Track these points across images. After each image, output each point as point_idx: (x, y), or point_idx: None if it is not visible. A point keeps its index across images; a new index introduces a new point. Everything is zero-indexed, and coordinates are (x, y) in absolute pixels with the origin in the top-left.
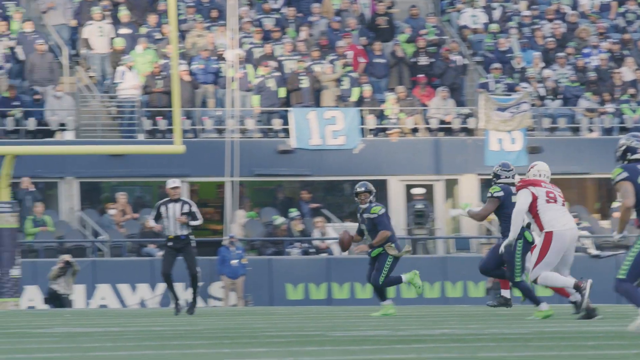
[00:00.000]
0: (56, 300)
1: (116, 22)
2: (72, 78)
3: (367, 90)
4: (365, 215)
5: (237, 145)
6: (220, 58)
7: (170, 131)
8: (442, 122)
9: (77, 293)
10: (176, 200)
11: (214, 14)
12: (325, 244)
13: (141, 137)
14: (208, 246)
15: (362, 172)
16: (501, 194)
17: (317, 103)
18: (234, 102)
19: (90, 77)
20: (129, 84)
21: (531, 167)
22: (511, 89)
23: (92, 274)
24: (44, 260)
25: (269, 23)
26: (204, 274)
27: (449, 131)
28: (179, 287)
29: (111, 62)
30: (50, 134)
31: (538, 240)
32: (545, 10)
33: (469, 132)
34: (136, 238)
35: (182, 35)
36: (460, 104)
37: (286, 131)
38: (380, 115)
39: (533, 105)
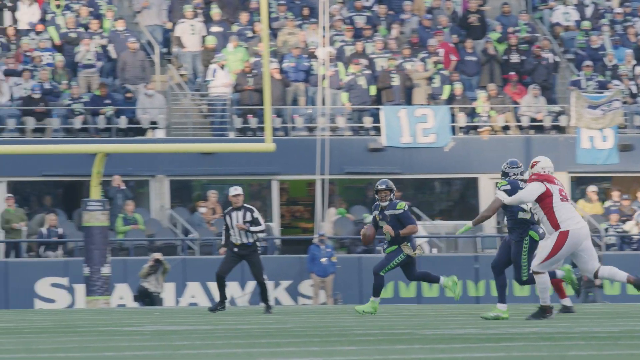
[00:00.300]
0: (146, 298)
1: (208, 20)
2: (163, 76)
3: (458, 88)
4: (388, 212)
5: (327, 143)
6: (312, 56)
7: (261, 129)
8: (533, 119)
9: (167, 291)
10: (239, 208)
11: (306, 11)
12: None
13: (232, 135)
14: (298, 244)
15: (453, 170)
16: (508, 187)
17: (408, 101)
18: (324, 100)
19: (182, 75)
20: (220, 82)
21: (535, 163)
22: (603, 86)
23: (183, 272)
24: (135, 258)
25: (360, 21)
26: (294, 272)
27: (540, 129)
28: (233, 286)
29: (202, 60)
30: (142, 132)
31: (551, 237)
32: (637, 7)
33: (560, 130)
34: None
35: (274, 33)
36: (551, 101)
37: (377, 129)
38: (471, 113)
39: (625, 102)
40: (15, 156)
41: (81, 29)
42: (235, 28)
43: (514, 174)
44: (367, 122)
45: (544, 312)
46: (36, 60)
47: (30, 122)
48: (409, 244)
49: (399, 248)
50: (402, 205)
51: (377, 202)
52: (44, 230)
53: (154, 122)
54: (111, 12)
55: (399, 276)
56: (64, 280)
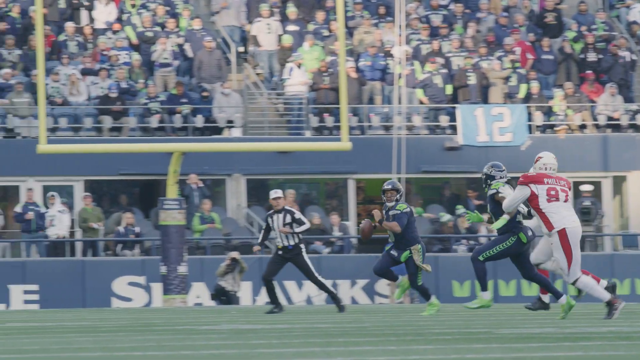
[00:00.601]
0: (223, 297)
1: (284, 19)
2: (239, 75)
3: (535, 86)
4: (391, 213)
5: (403, 141)
6: (388, 55)
7: (337, 128)
8: (610, 118)
9: (244, 290)
10: (279, 211)
11: (382, 10)
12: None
13: (308, 134)
14: (375, 243)
15: (529, 168)
16: (507, 187)
17: (484, 99)
18: (400, 99)
19: (258, 74)
20: (297, 80)
21: (537, 159)
22: None
23: (259, 271)
24: (211, 257)
25: (436, 19)
26: (371, 271)
27: (617, 127)
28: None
29: (279, 59)
30: (218, 131)
31: (552, 241)
32: None
33: (637, 128)
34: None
35: (350, 32)
36: (628, 100)
37: (453, 128)
38: (548, 112)
39: None
40: (92, 155)
41: (158, 28)
42: (311, 27)
43: (500, 177)
44: (444, 120)
45: (611, 307)
46: (113, 59)
47: (107, 121)
48: (420, 248)
49: (412, 255)
50: (402, 207)
51: (385, 203)
52: (121, 229)
53: (230, 121)
54: (187, 11)
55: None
56: (141, 279)
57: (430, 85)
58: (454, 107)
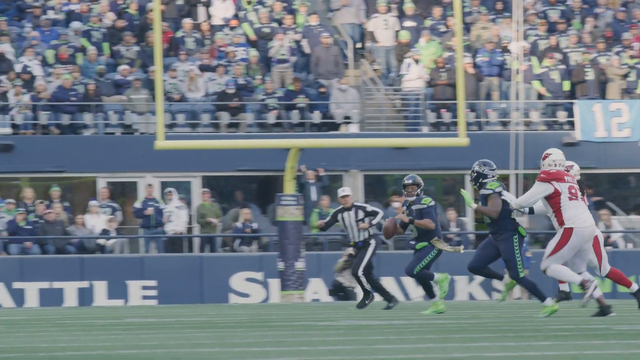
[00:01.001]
0: (341, 292)
1: (401, 15)
2: (357, 71)
3: None
4: (414, 207)
5: (521, 137)
6: (505, 50)
7: (455, 124)
8: None
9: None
10: (349, 209)
11: (499, 6)
12: (611, 238)
13: (425, 129)
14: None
15: None
16: (500, 189)
17: (602, 95)
18: (518, 94)
19: (375, 70)
20: (414, 76)
21: (546, 156)
22: None
23: (377, 267)
24: (329, 253)
25: (554, 15)
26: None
27: None
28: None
29: (396, 54)
30: (335, 127)
31: (557, 233)
32: None
33: None
34: None
35: (467, 27)
36: None
37: (571, 123)
38: None
39: None
40: (210, 151)
41: (275, 24)
42: (428, 22)
43: (492, 176)
44: (561, 116)
45: (584, 288)
46: (230, 55)
47: (225, 117)
48: (440, 239)
49: (429, 245)
50: (428, 201)
51: (405, 198)
52: (238, 224)
53: (347, 117)
54: (305, 7)
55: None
56: (259, 275)
57: (547, 81)
58: (571, 103)
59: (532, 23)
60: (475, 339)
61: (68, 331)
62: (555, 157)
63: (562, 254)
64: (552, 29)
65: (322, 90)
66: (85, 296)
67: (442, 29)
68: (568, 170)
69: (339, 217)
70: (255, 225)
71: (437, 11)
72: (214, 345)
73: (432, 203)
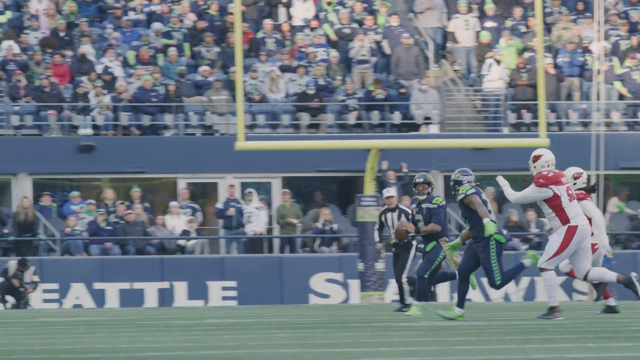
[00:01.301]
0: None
1: (482, 15)
2: (437, 71)
3: None
4: (424, 206)
5: (602, 138)
6: (586, 50)
7: (535, 124)
8: None
9: (440, 287)
10: (393, 209)
11: (580, 6)
12: None
13: (505, 130)
14: None
15: None
16: (474, 190)
17: None
18: (599, 95)
19: (455, 70)
20: (495, 77)
21: (537, 158)
22: None
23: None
24: None
25: (635, 15)
26: None
27: None
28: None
29: (476, 55)
30: (415, 127)
31: (558, 232)
32: None
33: None
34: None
35: (548, 27)
36: None
37: None
38: None
39: None
40: (290, 152)
41: (355, 25)
42: (508, 23)
43: (468, 182)
44: None
45: (552, 312)
46: (311, 56)
47: (305, 118)
48: (447, 239)
49: (437, 245)
50: (438, 201)
51: (415, 196)
52: (318, 225)
53: (427, 118)
54: (385, 7)
55: None
56: (339, 276)
57: (629, 81)
58: None
59: (613, 23)
60: (555, 340)
61: (148, 332)
62: (547, 158)
63: (564, 254)
64: (633, 29)
65: (402, 90)
66: (165, 297)
67: (523, 29)
68: (577, 178)
69: (383, 217)
70: (335, 226)
71: (517, 11)
72: (294, 346)
73: (443, 203)
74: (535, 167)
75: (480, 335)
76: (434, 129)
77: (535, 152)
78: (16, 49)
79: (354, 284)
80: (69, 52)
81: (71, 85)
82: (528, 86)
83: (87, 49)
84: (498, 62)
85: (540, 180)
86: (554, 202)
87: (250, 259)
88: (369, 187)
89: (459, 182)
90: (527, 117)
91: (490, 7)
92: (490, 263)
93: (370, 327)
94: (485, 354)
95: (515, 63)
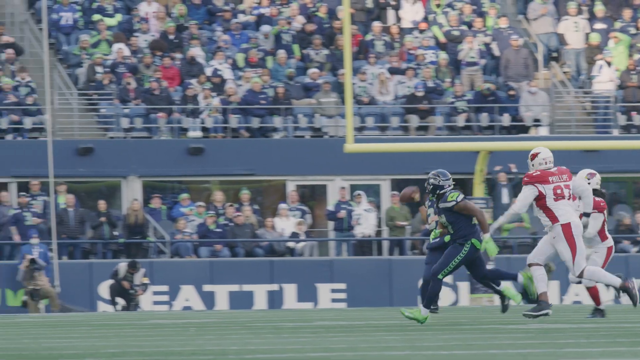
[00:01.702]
0: (530, 296)
1: (592, 17)
2: (546, 73)
3: None
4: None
5: None
6: None
7: None
8: None
9: (550, 289)
10: None
11: None
12: None
13: (615, 132)
14: None
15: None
16: (462, 195)
17: None
18: None
19: (565, 72)
20: (605, 78)
21: (534, 156)
22: None
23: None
24: (518, 256)
25: None
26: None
27: None
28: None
29: (586, 57)
30: (525, 129)
31: (554, 234)
32: None
33: None
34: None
35: None
36: None
37: None
38: None
39: None
40: (399, 154)
41: (464, 27)
42: (618, 24)
43: (449, 185)
44: None
45: (625, 290)
46: (419, 58)
47: (414, 120)
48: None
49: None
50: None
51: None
52: (427, 227)
53: (537, 120)
54: (494, 9)
55: None
56: (448, 278)
57: None
58: None
59: None
60: None
61: (257, 334)
62: (544, 155)
63: (581, 249)
64: None
65: (511, 93)
66: (275, 299)
67: (632, 30)
68: (590, 178)
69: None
70: None
71: (627, 13)
72: (404, 348)
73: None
74: (533, 165)
75: (590, 338)
76: (543, 131)
77: (533, 150)
78: (126, 51)
79: (464, 287)
80: (178, 55)
81: (180, 87)
82: (638, 88)
83: (196, 51)
84: (609, 63)
85: (525, 179)
86: (540, 202)
87: (360, 262)
88: (479, 190)
89: (440, 187)
90: (637, 119)
91: (599, 9)
92: (453, 259)
93: (479, 329)
94: (594, 356)
95: (625, 65)
